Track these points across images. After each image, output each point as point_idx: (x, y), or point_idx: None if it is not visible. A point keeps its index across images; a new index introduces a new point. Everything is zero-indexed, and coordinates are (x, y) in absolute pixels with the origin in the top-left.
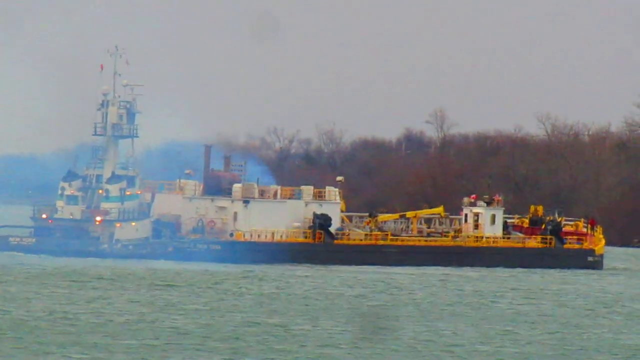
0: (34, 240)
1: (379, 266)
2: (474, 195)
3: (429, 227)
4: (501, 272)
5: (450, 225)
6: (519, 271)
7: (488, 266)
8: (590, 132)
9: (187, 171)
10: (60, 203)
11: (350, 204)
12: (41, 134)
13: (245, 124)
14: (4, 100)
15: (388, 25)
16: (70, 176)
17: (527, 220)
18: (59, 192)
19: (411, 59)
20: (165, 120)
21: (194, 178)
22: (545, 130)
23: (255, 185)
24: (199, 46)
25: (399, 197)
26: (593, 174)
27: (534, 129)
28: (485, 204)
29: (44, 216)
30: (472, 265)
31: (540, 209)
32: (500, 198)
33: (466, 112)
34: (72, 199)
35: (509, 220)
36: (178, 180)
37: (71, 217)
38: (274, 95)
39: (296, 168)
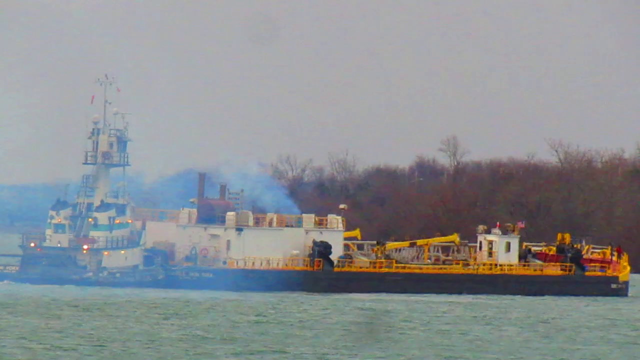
0: (17, 268)
1: (382, 294)
2: (497, 224)
3: (447, 255)
4: (500, 300)
5: (470, 253)
6: (528, 298)
7: (502, 294)
8: (603, 159)
9: (191, 200)
10: (49, 231)
11: (364, 232)
12: (32, 163)
13: (257, 152)
14: None
15: (400, 52)
16: (59, 205)
17: (554, 248)
18: (48, 220)
19: (423, 87)
20: (175, 148)
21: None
22: (558, 157)
23: (250, 214)
24: (205, 71)
25: (412, 225)
26: (606, 201)
27: (546, 156)
28: (499, 232)
29: (32, 244)
30: (484, 292)
31: (567, 236)
32: (523, 225)
33: (479, 140)
34: (59, 227)
35: (534, 248)
36: (182, 209)
37: (59, 245)
38: (286, 124)
39: (309, 196)
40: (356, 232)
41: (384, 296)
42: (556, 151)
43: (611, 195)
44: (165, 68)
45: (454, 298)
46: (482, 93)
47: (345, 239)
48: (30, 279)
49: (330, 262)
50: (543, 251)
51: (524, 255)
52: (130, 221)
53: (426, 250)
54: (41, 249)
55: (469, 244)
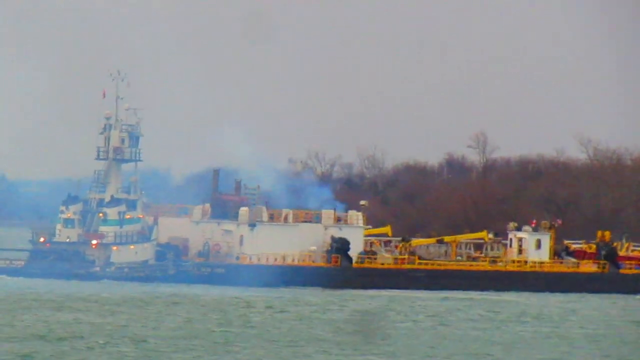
0: (22, 263)
1: (402, 290)
2: (533, 221)
3: (481, 253)
4: (517, 296)
5: (503, 251)
6: (558, 296)
7: (531, 291)
8: (633, 156)
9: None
10: (58, 226)
11: (393, 229)
12: (46, 158)
13: (286, 148)
14: (9, 128)
15: (428, 47)
16: (69, 200)
17: (594, 246)
18: (59, 215)
19: (452, 83)
20: (201, 145)
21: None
22: (587, 154)
23: (264, 209)
24: (224, 66)
25: (441, 222)
26: (635, 198)
27: (575, 153)
28: (530, 229)
29: (42, 239)
30: (512, 290)
31: (607, 234)
32: (560, 222)
33: (508, 136)
34: (69, 222)
35: (574, 245)
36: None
37: (68, 240)
38: (315, 119)
39: (338, 192)
40: (387, 229)
41: (396, 292)
42: (585, 148)
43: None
44: (180, 64)
45: (484, 295)
46: (511, 89)
47: (376, 235)
48: (36, 274)
49: (349, 259)
50: (583, 248)
51: (559, 253)
52: (141, 216)
53: (454, 247)
54: (50, 244)
55: (503, 241)
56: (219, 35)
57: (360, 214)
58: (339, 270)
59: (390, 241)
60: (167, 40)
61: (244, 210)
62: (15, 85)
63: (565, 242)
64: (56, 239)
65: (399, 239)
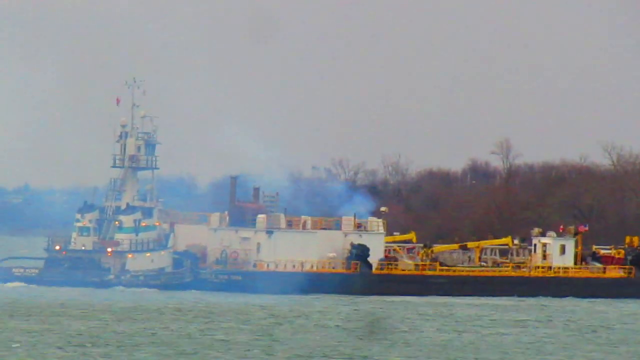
0: (36, 271)
1: (423, 297)
2: (561, 227)
3: (506, 259)
4: (536, 301)
5: (530, 257)
6: (583, 301)
7: (556, 296)
8: None
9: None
10: (74, 234)
11: (417, 235)
12: (62, 167)
13: (310, 155)
14: (26, 135)
15: (453, 54)
16: (85, 208)
17: (622, 252)
18: (74, 223)
19: (476, 90)
20: (224, 153)
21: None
22: (611, 160)
23: (282, 216)
24: (239, 74)
25: (465, 228)
26: None
27: (599, 159)
28: (554, 234)
29: (57, 247)
30: (537, 295)
31: (635, 239)
32: (586, 228)
33: (531, 142)
34: (84, 230)
35: (602, 251)
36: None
37: (83, 248)
38: (339, 127)
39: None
40: (411, 235)
41: (414, 299)
42: (609, 153)
43: None
44: (196, 70)
45: (503, 301)
46: (534, 95)
47: (400, 242)
48: (50, 282)
49: (369, 265)
50: (611, 254)
51: (585, 258)
52: (157, 224)
53: (477, 253)
54: (66, 252)
55: (529, 247)
56: (232, 39)
57: (380, 220)
58: (358, 277)
59: (413, 248)
60: (180, 46)
61: (261, 217)
62: (28, 91)
63: (594, 247)
64: (71, 246)
65: (422, 245)
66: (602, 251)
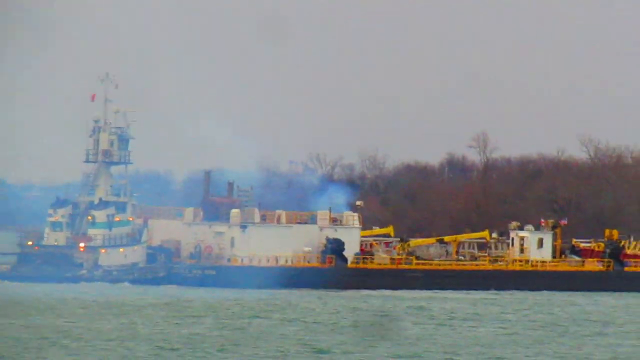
0: (9, 267)
1: (396, 290)
2: (542, 220)
3: (485, 253)
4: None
5: (507, 250)
6: (558, 294)
7: (533, 290)
8: (633, 155)
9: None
10: (47, 230)
11: (395, 229)
12: (35, 162)
13: (286, 150)
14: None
15: (427, 47)
16: (58, 203)
17: (602, 245)
18: (47, 218)
19: (452, 83)
20: (202, 148)
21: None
22: (588, 153)
23: (256, 211)
24: (221, 69)
25: (443, 222)
26: (636, 196)
27: (576, 152)
28: (532, 228)
29: (29, 243)
30: (514, 289)
31: (615, 232)
32: (565, 222)
33: (508, 136)
34: (57, 226)
35: (582, 244)
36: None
37: (56, 243)
38: (316, 121)
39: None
40: (389, 229)
41: (388, 292)
42: (586, 147)
43: None
44: (177, 66)
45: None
46: (511, 89)
47: (378, 236)
48: (23, 277)
49: (344, 259)
50: (591, 247)
51: (565, 252)
52: (131, 219)
53: (455, 247)
54: (38, 247)
55: (507, 241)
56: (221, 37)
57: (356, 214)
58: (333, 271)
59: (390, 242)
60: (156, 40)
61: (235, 212)
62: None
63: (574, 241)
64: (44, 242)
65: (398, 239)
66: (582, 244)
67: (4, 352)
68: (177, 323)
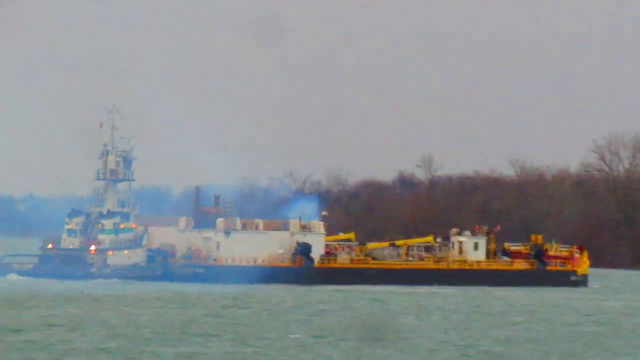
0: (31, 266)
1: (353, 285)
2: (477, 227)
3: (430, 254)
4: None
5: (449, 252)
6: (490, 289)
7: (469, 285)
8: (553, 173)
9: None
10: (64, 235)
11: (356, 235)
12: (55, 179)
13: (264, 167)
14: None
15: (389, 80)
16: (73, 213)
17: (528, 247)
18: (64, 226)
19: (404, 111)
20: (188, 166)
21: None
22: (515, 171)
23: (238, 220)
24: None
25: (395, 229)
26: (555, 207)
27: (506, 171)
28: (469, 233)
29: (49, 246)
30: (454, 285)
31: (540, 237)
32: (500, 228)
33: (450, 157)
34: (72, 232)
35: (513, 247)
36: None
37: (71, 246)
38: (290, 143)
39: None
40: (351, 235)
41: (348, 287)
42: (514, 166)
43: (559, 203)
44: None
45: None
46: (453, 116)
47: (341, 240)
48: (44, 275)
49: (311, 260)
50: (520, 250)
51: (497, 253)
52: (133, 226)
53: (405, 249)
54: (57, 250)
55: (448, 244)
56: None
57: (321, 223)
58: (302, 270)
59: (352, 245)
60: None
61: (220, 220)
62: (27, 113)
63: (506, 244)
64: (62, 245)
65: (357, 243)
66: (513, 247)
67: (34, 337)
68: (168, 311)
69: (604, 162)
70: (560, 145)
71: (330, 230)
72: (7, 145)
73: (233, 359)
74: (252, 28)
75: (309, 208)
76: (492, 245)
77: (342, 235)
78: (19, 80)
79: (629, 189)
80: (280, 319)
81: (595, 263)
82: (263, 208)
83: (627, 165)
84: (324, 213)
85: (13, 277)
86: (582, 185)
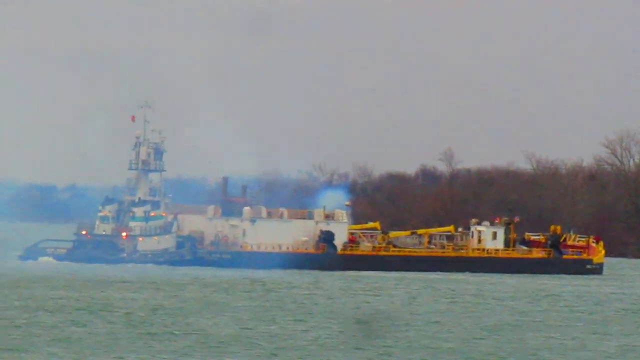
0: (65, 250)
1: (375, 272)
2: (497, 218)
3: (451, 243)
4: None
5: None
6: (508, 276)
7: (487, 272)
8: (567, 167)
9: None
10: (97, 222)
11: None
12: (90, 169)
13: (295, 161)
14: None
15: (410, 79)
16: (106, 201)
17: (546, 237)
18: (98, 213)
19: (428, 107)
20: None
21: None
22: (531, 165)
23: (263, 208)
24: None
25: (417, 219)
26: (569, 200)
27: (522, 164)
28: (488, 224)
29: (83, 232)
30: (472, 271)
31: (558, 228)
32: (518, 219)
33: (469, 151)
34: (105, 219)
35: (533, 237)
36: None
37: (104, 232)
38: (320, 137)
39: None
40: (376, 224)
41: (370, 274)
42: (530, 160)
43: (573, 196)
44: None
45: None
46: (473, 112)
47: (367, 229)
48: (78, 259)
49: (334, 247)
50: (540, 239)
51: (515, 243)
52: (164, 214)
53: (426, 238)
54: (90, 236)
55: (468, 234)
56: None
57: (344, 212)
58: (325, 256)
59: (375, 234)
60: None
61: (246, 209)
62: (63, 108)
63: (527, 234)
64: (95, 231)
65: (380, 231)
66: (533, 237)
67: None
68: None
69: (616, 156)
70: (574, 140)
71: (356, 220)
72: (49, 138)
73: None
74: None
75: (336, 198)
76: (513, 235)
77: (367, 225)
78: (59, 72)
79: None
80: None
81: (606, 253)
82: (293, 198)
83: (637, 160)
84: (346, 203)
85: (45, 259)
86: (594, 179)
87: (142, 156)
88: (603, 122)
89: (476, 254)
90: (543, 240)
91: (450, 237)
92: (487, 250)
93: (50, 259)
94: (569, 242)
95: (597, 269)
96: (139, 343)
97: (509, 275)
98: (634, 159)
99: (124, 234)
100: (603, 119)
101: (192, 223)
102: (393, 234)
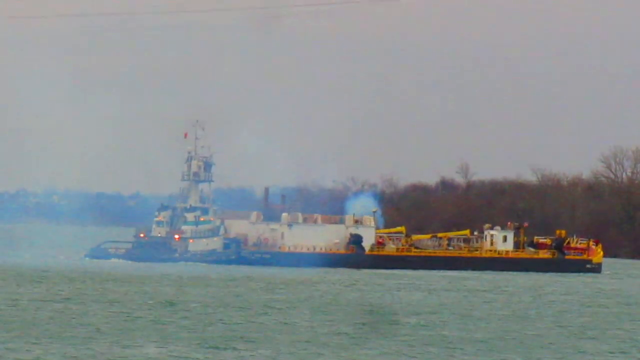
0: (124, 250)
1: (399, 270)
2: (509, 223)
3: (469, 246)
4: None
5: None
6: (517, 274)
7: (499, 270)
8: (568, 179)
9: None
10: (154, 226)
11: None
12: (148, 179)
13: (329, 173)
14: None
15: (428, 94)
16: (162, 208)
17: (551, 240)
18: (154, 218)
19: (446, 126)
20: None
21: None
22: (537, 177)
23: (300, 214)
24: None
25: (437, 224)
26: (569, 207)
27: (529, 176)
28: (499, 228)
29: (141, 235)
30: (485, 270)
31: (563, 232)
32: (527, 225)
33: (483, 165)
34: (160, 223)
35: (541, 240)
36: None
37: (159, 235)
38: (351, 152)
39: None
40: (402, 228)
41: (395, 271)
42: (536, 173)
43: (573, 205)
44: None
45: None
46: (487, 128)
47: (394, 233)
48: (136, 258)
49: (363, 248)
50: (546, 242)
51: (524, 245)
52: (212, 219)
53: (445, 240)
54: (147, 238)
55: (482, 237)
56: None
57: (372, 217)
58: (354, 256)
59: (399, 237)
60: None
61: (284, 215)
62: (128, 125)
63: (536, 237)
64: (152, 234)
65: (404, 235)
66: (541, 240)
67: (135, 312)
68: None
69: (611, 170)
70: (575, 156)
71: (385, 225)
72: (116, 150)
73: None
74: None
75: (364, 206)
76: (523, 238)
77: (394, 229)
78: (117, 88)
79: (631, 193)
80: None
81: (603, 254)
82: (326, 205)
83: (629, 174)
84: (374, 209)
85: (114, 261)
86: (592, 189)
87: (194, 169)
88: (600, 140)
89: (489, 254)
90: (549, 243)
91: (466, 240)
92: (499, 251)
93: (117, 260)
94: (572, 245)
95: (597, 268)
96: None
97: (516, 273)
98: (626, 172)
99: (176, 236)
100: (600, 137)
101: (237, 227)
102: (415, 237)
